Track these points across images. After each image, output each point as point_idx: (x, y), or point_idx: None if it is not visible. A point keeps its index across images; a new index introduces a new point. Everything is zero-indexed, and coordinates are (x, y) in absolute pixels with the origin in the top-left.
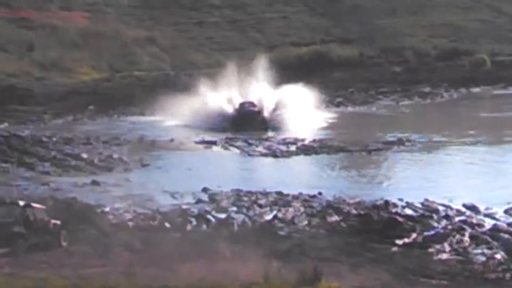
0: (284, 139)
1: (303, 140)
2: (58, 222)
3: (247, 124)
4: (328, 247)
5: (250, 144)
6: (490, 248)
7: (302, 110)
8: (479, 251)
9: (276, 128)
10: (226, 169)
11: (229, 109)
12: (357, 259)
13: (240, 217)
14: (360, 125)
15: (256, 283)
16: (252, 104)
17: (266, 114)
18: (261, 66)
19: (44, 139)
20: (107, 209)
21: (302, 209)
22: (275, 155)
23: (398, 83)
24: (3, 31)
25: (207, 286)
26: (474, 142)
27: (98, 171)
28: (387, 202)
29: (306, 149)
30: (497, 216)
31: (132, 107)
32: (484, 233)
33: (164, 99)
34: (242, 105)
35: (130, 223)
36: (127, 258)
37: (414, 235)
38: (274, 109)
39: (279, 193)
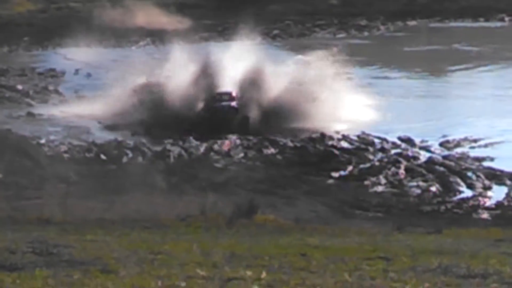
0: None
1: None
2: None
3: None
4: (264, 180)
5: None
6: (425, 181)
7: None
8: (415, 183)
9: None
10: None
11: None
12: (293, 191)
13: (176, 150)
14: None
15: (192, 215)
16: (229, 96)
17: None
18: None
19: None
20: (42, 141)
21: (238, 141)
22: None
23: (334, 15)
24: None
25: (143, 218)
26: (410, 75)
27: (33, 103)
28: (323, 135)
29: None
30: (432, 149)
31: (68, 38)
32: (419, 165)
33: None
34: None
35: (66, 155)
36: (63, 190)
37: (350, 168)
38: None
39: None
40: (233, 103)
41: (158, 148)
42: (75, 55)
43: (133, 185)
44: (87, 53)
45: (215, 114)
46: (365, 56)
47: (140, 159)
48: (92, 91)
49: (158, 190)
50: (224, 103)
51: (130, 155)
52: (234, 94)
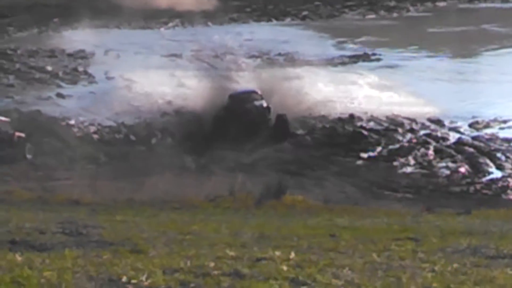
0: (248, 52)
1: (268, 53)
2: (23, 135)
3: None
4: (293, 161)
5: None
6: (454, 162)
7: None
8: (444, 164)
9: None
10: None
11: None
12: (321, 172)
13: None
14: (326, 38)
15: (221, 196)
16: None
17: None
18: None
19: (9, 51)
20: (72, 121)
21: None
22: (240, 69)
23: None
24: None
25: (172, 199)
26: (440, 57)
27: (63, 84)
28: (352, 116)
29: (272, 63)
30: (461, 130)
31: (97, 20)
32: (448, 146)
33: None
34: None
35: (95, 136)
36: (92, 171)
37: (379, 149)
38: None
39: None
40: (264, 102)
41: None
42: (105, 36)
43: (162, 166)
44: (117, 34)
45: (248, 116)
46: (394, 37)
47: (169, 140)
48: (121, 72)
49: (187, 171)
50: (256, 103)
51: (159, 136)
52: (259, 92)
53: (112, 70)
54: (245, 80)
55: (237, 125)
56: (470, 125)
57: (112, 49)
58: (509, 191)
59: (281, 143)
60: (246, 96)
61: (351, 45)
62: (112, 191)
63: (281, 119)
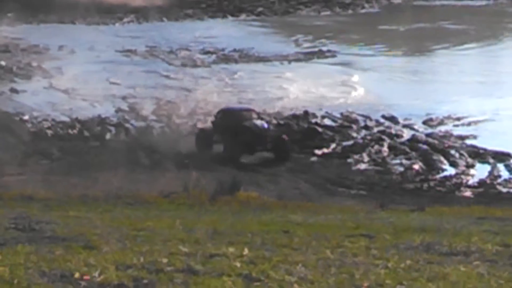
0: (203, 49)
1: (223, 49)
2: None
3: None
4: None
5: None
6: (408, 159)
7: None
8: (397, 161)
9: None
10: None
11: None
12: (275, 168)
13: (159, 126)
14: (281, 35)
15: (175, 192)
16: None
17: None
18: None
19: None
20: (25, 117)
21: None
22: (195, 65)
23: None
24: None
25: (126, 195)
26: (395, 54)
27: (16, 79)
28: (306, 112)
29: (226, 59)
30: (415, 127)
31: (52, 15)
32: (402, 143)
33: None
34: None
35: (49, 132)
36: (46, 167)
37: (333, 145)
38: None
39: (200, 102)
40: (263, 122)
41: (142, 124)
42: (60, 31)
43: (116, 162)
44: (72, 29)
45: (246, 135)
46: (349, 34)
47: (123, 136)
48: (75, 67)
49: (141, 167)
50: (256, 121)
51: (114, 132)
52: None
53: (66, 65)
54: (199, 76)
55: (228, 144)
56: (424, 122)
57: (67, 45)
58: (462, 188)
59: (279, 166)
60: (241, 114)
61: (306, 42)
62: (65, 187)
63: (281, 141)
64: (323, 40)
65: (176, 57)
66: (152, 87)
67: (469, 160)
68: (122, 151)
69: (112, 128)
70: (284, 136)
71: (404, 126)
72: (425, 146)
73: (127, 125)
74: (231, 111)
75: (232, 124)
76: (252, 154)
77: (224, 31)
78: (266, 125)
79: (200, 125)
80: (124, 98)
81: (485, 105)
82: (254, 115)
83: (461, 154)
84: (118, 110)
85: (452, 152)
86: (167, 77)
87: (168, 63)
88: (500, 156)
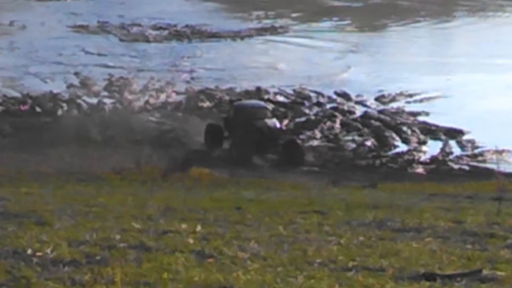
0: (155, 24)
1: (175, 25)
2: None
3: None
4: (200, 133)
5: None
6: (360, 135)
7: None
8: (350, 138)
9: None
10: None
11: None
12: (228, 145)
13: (111, 102)
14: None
15: (127, 168)
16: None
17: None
18: None
19: None
20: None
21: (174, 94)
22: (147, 40)
23: None
24: None
25: (78, 171)
26: (348, 30)
27: None
28: (259, 89)
29: (179, 35)
30: (368, 104)
31: None
32: (354, 120)
33: None
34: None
35: (0, 107)
36: None
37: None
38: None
39: (152, 78)
40: (276, 121)
41: (94, 101)
42: (11, 7)
43: (68, 138)
44: (23, 5)
45: (257, 136)
46: (303, 10)
47: (75, 112)
48: (27, 42)
49: (93, 143)
50: (268, 121)
51: (66, 107)
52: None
53: (18, 40)
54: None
55: (237, 143)
56: (377, 99)
57: (18, 20)
58: (414, 165)
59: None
60: (254, 111)
61: (258, 18)
62: (17, 163)
63: (293, 143)
64: (275, 17)
65: (128, 33)
66: (104, 63)
67: (421, 136)
68: (74, 127)
69: (64, 104)
70: (295, 138)
71: (357, 102)
72: (377, 123)
73: (79, 101)
74: (243, 107)
75: (243, 122)
76: (263, 155)
77: (177, 8)
78: (278, 125)
79: (152, 101)
80: (76, 74)
81: (437, 82)
82: (268, 113)
83: (413, 131)
84: (70, 86)
85: (404, 128)
86: (118, 54)
87: (120, 39)
88: (452, 133)
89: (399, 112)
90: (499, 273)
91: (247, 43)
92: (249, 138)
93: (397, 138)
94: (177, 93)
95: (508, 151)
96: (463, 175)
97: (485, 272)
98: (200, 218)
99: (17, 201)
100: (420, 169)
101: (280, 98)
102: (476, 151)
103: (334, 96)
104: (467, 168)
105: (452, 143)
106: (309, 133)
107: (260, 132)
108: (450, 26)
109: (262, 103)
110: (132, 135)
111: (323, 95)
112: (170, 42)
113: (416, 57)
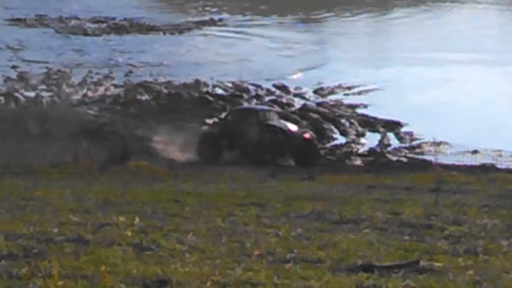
0: (94, 18)
1: (113, 18)
2: None
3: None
4: (138, 126)
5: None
6: (299, 127)
7: None
8: None
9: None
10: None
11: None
12: (166, 138)
13: (49, 96)
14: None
15: (65, 162)
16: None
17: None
18: None
19: None
20: None
21: (112, 88)
22: (86, 33)
23: None
24: None
25: (15, 164)
26: (284, 23)
27: None
28: (198, 81)
29: (117, 28)
30: (306, 96)
31: None
32: (293, 112)
33: None
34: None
35: None
36: None
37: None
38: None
39: (90, 72)
40: (290, 124)
41: (32, 94)
42: None
43: (5, 132)
44: None
45: (267, 137)
46: (241, 2)
47: (12, 105)
48: None
49: (30, 137)
50: (286, 122)
51: (3, 101)
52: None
53: None
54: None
55: (251, 146)
56: (315, 92)
57: None
58: (353, 157)
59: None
60: (266, 114)
61: (197, 11)
62: None
63: (310, 144)
64: (214, 9)
65: (66, 26)
66: (42, 56)
67: (360, 129)
68: (11, 121)
69: (1, 98)
70: (307, 135)
71: (295, 95)
72: (316, 115)
73: (16, 94)
74: (254, 111)
75: (257, 125)
76: (282, 156)
77: (115, 1)
78: (295, 128)
79: (90, 94)
80: (13, 67)
81: (376, 74)
82: (277, 115)
83: (351, 123)
84: (7, 79)
85: (343, 121)
86: (56, 47)
87: (58, 32)
88: (390, 125)
89: (338, 104)
90: (436, 264)
91: (186, 36)
92: (266, 140)
93: (336, 130)
94: (116, 86)
95: (446, 143)
96: (401, 167)
97: (422, 263)
98: (138, 211)
99: None
100: (358, 161)
101: (219, 91)
102: (414, 143)
103: (273, 89)
104: (405, 160)
105: (390, 135)
106: None
107: (279, 133)
108: (389, 18)
109: (267, 107)
110: (70, 129)
111: (261, 88)
112: (108, 35)
113: (354, 50)
